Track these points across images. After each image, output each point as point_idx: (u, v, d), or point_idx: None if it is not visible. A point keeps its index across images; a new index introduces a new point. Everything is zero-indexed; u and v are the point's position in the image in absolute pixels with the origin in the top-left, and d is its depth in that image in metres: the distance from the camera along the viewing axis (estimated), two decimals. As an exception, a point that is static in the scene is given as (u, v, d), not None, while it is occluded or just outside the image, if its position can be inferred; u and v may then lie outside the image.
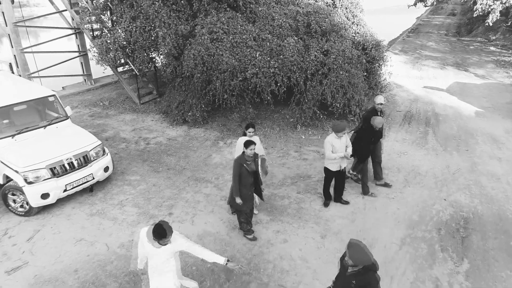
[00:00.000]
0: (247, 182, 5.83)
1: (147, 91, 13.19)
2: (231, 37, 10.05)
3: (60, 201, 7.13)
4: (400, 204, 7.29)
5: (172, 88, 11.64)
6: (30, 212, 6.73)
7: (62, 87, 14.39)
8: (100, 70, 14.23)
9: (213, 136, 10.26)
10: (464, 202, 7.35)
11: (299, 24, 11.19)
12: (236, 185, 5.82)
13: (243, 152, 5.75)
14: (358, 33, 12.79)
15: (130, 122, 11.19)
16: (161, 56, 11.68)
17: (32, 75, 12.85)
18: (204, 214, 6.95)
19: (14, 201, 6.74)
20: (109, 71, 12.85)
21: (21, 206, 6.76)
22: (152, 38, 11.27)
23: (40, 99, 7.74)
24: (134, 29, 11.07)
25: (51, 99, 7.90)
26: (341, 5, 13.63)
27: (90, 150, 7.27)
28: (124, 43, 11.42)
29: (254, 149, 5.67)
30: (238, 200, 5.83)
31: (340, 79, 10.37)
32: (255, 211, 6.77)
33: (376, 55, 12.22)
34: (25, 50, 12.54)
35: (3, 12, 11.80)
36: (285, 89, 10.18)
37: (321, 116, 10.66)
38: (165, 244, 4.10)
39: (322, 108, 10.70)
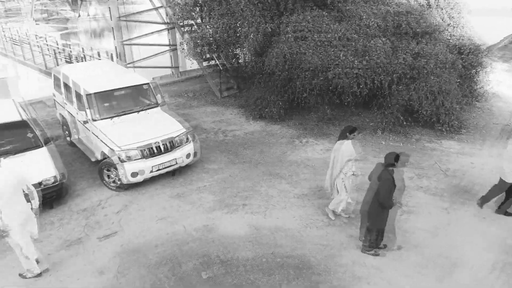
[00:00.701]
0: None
1: (229, 86, 13.67)
2: (315, 36, 9.96)
3: (146, 182, 7.71)
4: (493, 225, 6.57)
5: (252, 84, 11.91)
6: (121, 188, 7.39)
7: (152, 78, 15.53)
8: (186, 64, 15.19)
9: (288, 134, 10.27)
10: None
11: (388, 24, 10.68)
12: (389, 201, 5.35)
13: (392, 164, 5.29)
14: (453, 35, 11.82)
15: (210, 114, 11.70)
16: (244, 53, 12.01)
17: (128, 65, 14.09)
18: (276, 209, 6.99)
19: (108, 176, 7.45)
20: (195, 65, 13.54)
21: (113, 182, 7.45)
22: (237, 35, 11.64)
23: (137, 86, 8.45)
24: (220, 26, 11.55)
25: (145, 87, 8.58)
26: (437, 5, 12.70)
27: (176, 137, 7.75)
28: (211, 39, 11.97)
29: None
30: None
31: (430, 84, 9.69)
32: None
33: (473, 61, 11.17)
34: (124, 43, 13.80)
35: (109, 8, 13.12)
36: (367, 91, 9.81)
37: (405, 123, 10.06)
38: None
39: (406, 114, 10.10)
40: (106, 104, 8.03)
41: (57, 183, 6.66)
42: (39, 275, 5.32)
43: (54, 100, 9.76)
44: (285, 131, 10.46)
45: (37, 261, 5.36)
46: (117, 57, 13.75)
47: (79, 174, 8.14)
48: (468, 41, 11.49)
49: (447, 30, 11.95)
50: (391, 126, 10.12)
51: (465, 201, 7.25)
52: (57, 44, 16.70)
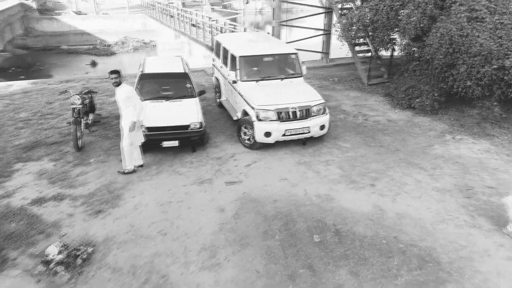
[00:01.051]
0: None
1: (378, 73, 12.86)
2: (496, 18, 8.39)
3: (277, 146, 7.90)
4: None
5: (405, 71, 10.89)
6: (253, 145, 7.75)
7: (302, 61, 15.83)
8: (336, 51, 14.93)
9: (440, 128, 9.02)
10: None
11: None
12: None
13: None
14: None
15: (353, 99, 11.22)
16: (401, 38, 11.02)
17: (282, 45, 14.64)
18: (409, 197, 6.23)
19: (244, 133, 7.90)
20: (343, 51, 13.14)
21: (248, 140, 7.86)
22: (398, 17, 10.76)
23: (284, 55, 8.70)
24: (381, 7, 10.87)
25: (292, 56, 8.75)
26: None
27: (313, 106, 7.67)
28: (367, 21, 11.40)
29: None
30: None
31: None
32: None
33: None
34: (282, 24, 14.40)
35: (274, -12, 13.84)
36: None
37: None
38: None
39: None
40: (253, 68, 8.51)
41: (201, 129, 7.40)
42: (133, 171, 6.80)
43: (213, 64, 10.89)
44: (435, 124, 9.23)
45: (134, 169, 6.83)
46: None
47: (220, 130, 8.88)
48: None
49: None
50: None
51: None
52: (224, 25, 18.63)
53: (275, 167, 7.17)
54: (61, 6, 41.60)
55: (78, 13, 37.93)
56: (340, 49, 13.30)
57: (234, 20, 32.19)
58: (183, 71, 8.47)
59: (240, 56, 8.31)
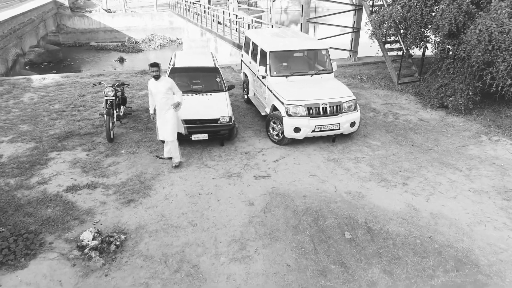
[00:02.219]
0: None
1: (408, 72, 12.54)
2: (540, 13, 8.01)
3: (306, 142, 7.82)
4: None
5: (438, 69, 10.56)
6: (282, 141, 7.70)
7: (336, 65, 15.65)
8: (364, 50, 14.66)
9: (474, 128, 8.70)
10: None
11: None
12: None
13: None
14: None
15: (382, 97, 10.99)
16: (435, 35, 10.69)
17: (309, 43, 14.52)
18: (443, 197, 6.03)
19: (273, 129, 7.85)
20: (372, 50, 12.87)
21: (277, 135, 7.81)
22: (433, 14, 10.44)
23: (315, 51, 8.60)
24: (414, 3, 10.58)
25: (323, 52, 8.64)
26: None
27: (344, 102, 7.54)
28: (399, 18, 11.12)
29: None
30: None
31: None
32: None
33: None
34: (311, 20, 14.27)
35: (303, -15, 13.73)
36: None
37: None
38: None
39: None
40: (283, 63, 8.45)
41: (230, 123, 7.40)
42: (168, 158, 7.02)
43: (241, 60, 10.89)
44: (469, 124, 8.91)
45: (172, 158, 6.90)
46: (301, 34, 14.34)
47: (249, 125, 8.87)
48: None
49: None
50: None
51: None
52: (252, 22, 18.63)
53: (304, 163, 7.10)
54: (91, 4, 42.76)
55: (108, 11, 38.89)
56: (370, 47, 13.03)
57: (260, 18, 32.14)
58: (214, 65, 8.51)
59: (270, 51, 8.26)
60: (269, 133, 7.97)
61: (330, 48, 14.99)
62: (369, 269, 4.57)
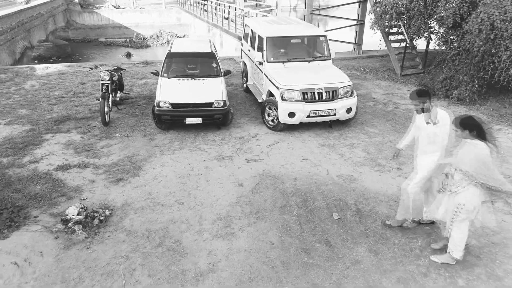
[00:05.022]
0: None
1: (412, 64, 12.33)
2: (545, -1, 7.78)
3: (301, 128, 7.72)
4: None
5: (442, 61, 10.36)
6: (277, 126, 7.61)
7: (335, 52, 15.49)
8: (369, 44, 14.47)
9: (476, 118, 8.49)
10: None
11: None
12: None
13: None
14: None
15: (384, 88, 10.82)
16: (439, 25, 10.49)
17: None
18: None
19: (268, 114, 7.77)
20: (375, 43, 12.69)
21: (272, 121, 7.73)
22: (436, 3, 10.24)
23: (312, 37, 8.49)
24: (418, -7, 10.39)
25: (321, 38, 8.53)
26: None
27: (340, 88, 7.43)
28: (403, 9, 10.95)
29: None
30: None
31: None
32: None
33: None
34: (314, 12, 14.14)
35: (306, -23, 13.62)
36: None
37: None
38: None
39: None
40: (280, 49, 8.36)
41: (225, 107, 7.34)
42: None
43: (241, 49, 10.83)
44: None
45: None
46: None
47: (245, 112, 8.80)
48: None
49: None
50: None
51: None
52: (256, 16, 18.59)
53: (298, 148, 7.00)
54: (101, 0, 43.17)
55: (117, 7, 39.21)
56: (372, 38, 12.84)
57: (268, 12, 32.00)
58: (210, 51, 8.46)
59: (267, 37, 8.19)
60: (264, 119, 7.89)
61: (334, 41, 14.91)
62: (355, 248, 4.46)
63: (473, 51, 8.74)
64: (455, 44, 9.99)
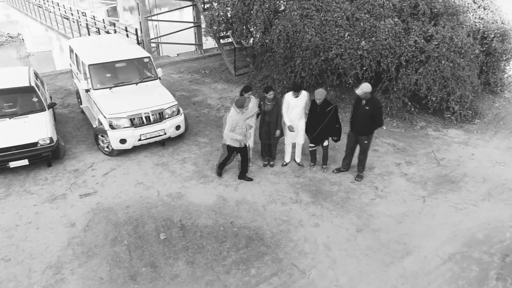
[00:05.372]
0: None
1: (244, 64, 13.79)
2: (321, 15, 9.73)
3: (137, 149, 8.23)
4: (467, 218, 6.29)
5: (261, 62, 11.95)
6: (112, 153, 7.97)
7: (177, 54, 16.12)
8: (209, 42, 15.47)
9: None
10: (557, 233, 5.93)
11: (404, 4, 10.11)
12: None
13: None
14: (482, 18, 10.90)
15: (219, 91, 11.97)
16: (256, 31, 12.00)
17: (152, 40, 14.67)
18: (249, 184, 7.18)
19: (102, 141, 8.04)
20: (210, 43, 13.74)
21: (107, 147, 8.04)
22: (251, 12, 11.66)
23: (137, 59, 8.91)
24: (236, 2, 11.63)
25: (146, 60, 9.01)
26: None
27: (166, 109, 8.13)
28: (228, 15, 12.11)
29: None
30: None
31: (441, 69, 9.14)
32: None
33: (498, 47, 10.29)
34: (149, 18, 14.35)
35: (135, -16, 13.66)
36: (372, 74, 9.48)
37: (412, 109, 9.65)
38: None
39: (413, 100, 9.66)
40: (106, 75, 8.58)
41: (53, 144, 7.34)
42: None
43: (71, 69, 10.56)
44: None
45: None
46: (141, 32, 14.37)
47: (82, 138, 8.85)
48: (494, 24, 10.54)
49: (475, 12, 11.02)
50: (396, 111, 9.76)
51: (448, 192, 6.95)
52: (94, 19, 17.72)
53: (133, 172, 7.54)
54: None
55: None
56: (205, 37, 13.81)
57: (115, 8, 30.40)
58: (28, 84, 8.14)
59: (90, 65, 8.30)
60: (99, 146, 8.14)
61: (176, 43, 15.46)
62: (175, 264, 5.36)
63: (277, 57, 10.42)
64: (268, 47, 11.64)
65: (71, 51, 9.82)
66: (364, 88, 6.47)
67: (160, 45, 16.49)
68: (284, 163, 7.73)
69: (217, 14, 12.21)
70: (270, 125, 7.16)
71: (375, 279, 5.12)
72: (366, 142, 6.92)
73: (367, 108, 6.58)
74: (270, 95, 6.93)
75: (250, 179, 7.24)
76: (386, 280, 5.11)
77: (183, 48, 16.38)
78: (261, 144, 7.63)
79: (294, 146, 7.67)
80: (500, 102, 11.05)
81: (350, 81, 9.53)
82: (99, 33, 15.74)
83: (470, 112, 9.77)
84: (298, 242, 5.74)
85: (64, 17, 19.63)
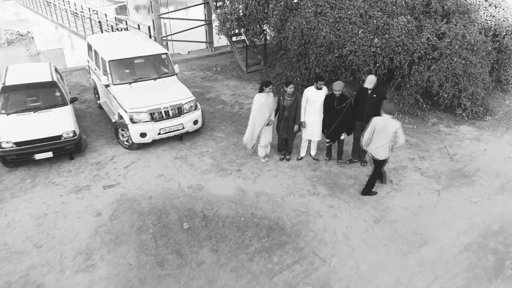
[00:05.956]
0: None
1: (256, 61, 13.97)
2: (335, 12, 9.89)
3: (156, 143, 8.44)
4: (482, 211, 6.43)
5: (275, 60, 12.12)
6: (132, 146, 8.18)
7: (188, 51, 16.33)
8: (220, 40, 15.66)
9: (302, 109, 10.44)
10: None
11: (416, 2, 10.26)
12: None
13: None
14: (494, 16, 11.01)
15: (232, 88, 12.15)
16: (271, 29, 12.18)
17: (163, 38, 14.88)
18: (267, 177, 7.36)
19: (122, 135, 8.26)
20: (222, 41, 13.94)
21: (127, 141, 8.25)
22: (266, 11, 11.84)
23: (155, 56, 9.12)
24: (250, 1, 11.81)
25: (163, 56, 9.21)
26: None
27: (185, 104, 8.33)
28: (241, 14, 12.29)
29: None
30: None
31: (453, 66, 9.27)
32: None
33: (509, 44, 10.40)
34: (161, 16, 14.56)
35: (148, -18, 13.87)
36: (385, 71, 9.63)
37: (424, 105, 9.79)
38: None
39: (425, 97, 9.80)
40: (125, 70, 8.79)
41: (75, 137, 7.57)
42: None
43: (88, 66, 10.78)
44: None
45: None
46: (153, 30, 14.58)
47: (101, 133, 9.07)
48: (505, 22, 10.65)
49: (487, 10, 11.13)
50: (408, 108, 9.90)
51: (462, 185, 7.09)
52: (106, 17, 17.96)
53: (153, 164, 7.75)
54: None
55: None
56: (218, 35, 14.02)
57: (124, 7, 30.70)
58: (51, 79, 8.38)
59: (110, 61, 8.51)
60: (119, 140, 8.35)
61: (187, 41, 15.66)
62: (200, 251, 5.56)
63: (291, 53, 10.59)
64: (282, 45, 11.82)
65: (90, 47, 10.05)
66: (373, 80, 6.90)
67: (170, 42, 16.68)
68: (300, 157, 7.91)
69: (230, 12, 12.40)
70: (288, 120, 7.34)
71: (394, 267, 5.29)
72: None
73: (375, 96, 6.97)
74: (291, 88, 7.10)
75: (375, 193, 6.79)
76: (405, 268, 5.28)
77: (194, 46, 16.57)
78: (278, 138, 7.81)
79: (309, 141, 7.84)
80: (511, 99, 11.16)
81: (363, 77, 9.67)
82: (112, 31, 15.95)
83: (482, 109, 9.90)
84: (318, 232, 5.92)
85: (75, 15, 19.89)
